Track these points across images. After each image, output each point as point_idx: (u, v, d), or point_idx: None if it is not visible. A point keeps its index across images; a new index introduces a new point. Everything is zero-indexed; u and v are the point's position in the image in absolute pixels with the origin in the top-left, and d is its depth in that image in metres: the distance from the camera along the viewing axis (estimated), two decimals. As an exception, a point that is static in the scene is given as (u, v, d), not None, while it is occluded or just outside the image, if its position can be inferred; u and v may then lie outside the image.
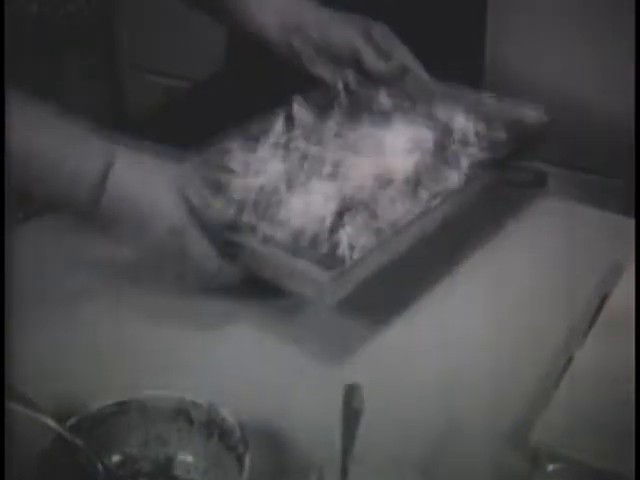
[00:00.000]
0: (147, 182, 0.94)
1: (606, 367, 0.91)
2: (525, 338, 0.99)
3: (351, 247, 0.92)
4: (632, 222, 1.10)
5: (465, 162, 1.06)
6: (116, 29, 2.07)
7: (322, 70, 1.19)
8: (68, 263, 1.07)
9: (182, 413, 0.83)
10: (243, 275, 0.96)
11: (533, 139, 1.13)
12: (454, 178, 1.04)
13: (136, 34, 2.03)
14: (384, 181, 1.02)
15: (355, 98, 1.17)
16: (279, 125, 1.11)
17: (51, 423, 0.80)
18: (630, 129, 1.41)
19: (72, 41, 1.18)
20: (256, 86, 1.81)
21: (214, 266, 0.95)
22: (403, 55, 1.18)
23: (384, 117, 1.12)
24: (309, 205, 0.98)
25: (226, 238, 0.94)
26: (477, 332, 1.00)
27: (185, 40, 2.00)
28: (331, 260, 0.91)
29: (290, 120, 1.12)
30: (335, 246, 0.93)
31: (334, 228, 0.95)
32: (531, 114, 1.13)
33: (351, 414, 0.79)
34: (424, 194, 1.01)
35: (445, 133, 1.09)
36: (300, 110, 1.13)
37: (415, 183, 1.02)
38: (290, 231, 0.95)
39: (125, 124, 1.37)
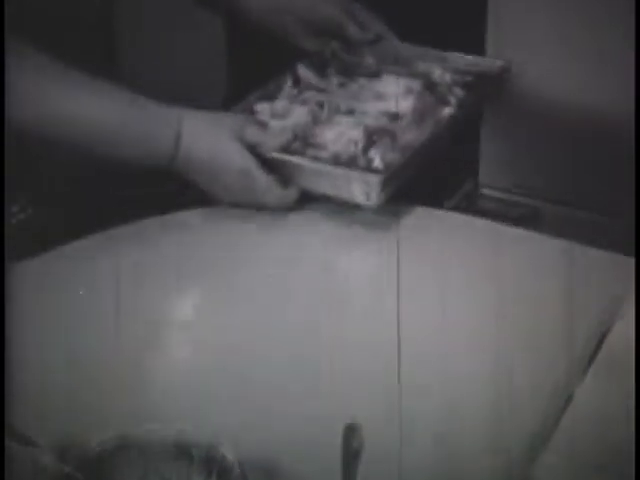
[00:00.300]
0: (212, 136, 1.11)
1: (606, 404, 0.91)
2: (524, 375, 0.99)
3: (383, 161, 1.16)
4: (631, 259, 1.10)
5: (452, 99, 1.31)
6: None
7: (312, 44, 1.39)
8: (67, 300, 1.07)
9: (182, 450, 0.83)
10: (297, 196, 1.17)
11: (496, 81, 1.41)
12: (448, 109, 1.29)
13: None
14: (392, 116, 1.25)
15: (344, 62, 1.39)
16: (289, 83, 1.32)
17: (50, 459, 0.80)
18: (630, 162, 1.43)
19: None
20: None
21: (277, 193, 1.14)
22: (379, 26, 1.40)
23: (374, 73, 1.35)
24: (339, 133, 1.19)
25: (285, 161, 1.15)
26: (476, 368, 1.00)
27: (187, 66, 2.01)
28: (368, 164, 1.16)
29: (297, 79, 1.34)
30: (370, 162, 1.16)
31: (366, 148, 1.17)
32: (493, 62, 1.41)
33: (350, 454, 0.79)
34: (429, 121, 1.25)
35: (428, 81, 1.34)
36: (304, 70, 1.35)
37: (419, 116, 1.24)
38: (330, 154, 1.17)
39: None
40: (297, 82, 1.34)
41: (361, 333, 1.06)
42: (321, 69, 1.37)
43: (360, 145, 1.18)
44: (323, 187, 1.15)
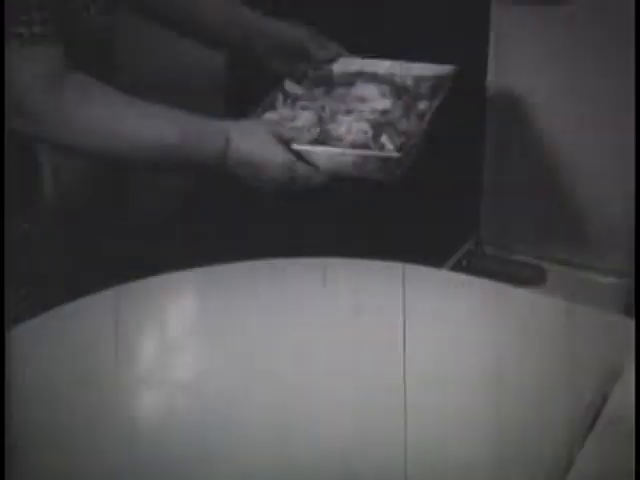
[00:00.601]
0: (256, 136, 1.32)
1: (607, 470, 0.90)
2: (526, 439, 0.99)
3: (393, 144, 1.36)
4: (631, 321, 1.10)
5: (422, 96, 1.51)
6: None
7: (281, 65, 1.56)
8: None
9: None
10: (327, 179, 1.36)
11: (446, 81, 1.55)
12: (422, 104, 1.48)
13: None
14: (382, 112, 1.46)
15: (316, 77, 1.57)
16: (280, 99, 1.50)
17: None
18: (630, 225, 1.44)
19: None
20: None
21: (312, 179, 1.34)
22: (334, 46, 1.59)
23: (348, 83, 1.54)
24: (350, 127, 1.40)
25: (317, 151, 1.35)
26: (476, 428, 1.00)
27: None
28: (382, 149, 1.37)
29: (286, 94, 1.52)
30: (382, 147, 1.36)
31: (376, 136, 1.37)
32: (442, 67, 1.57)
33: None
34: (413, 115, 1.45)
35: (394, 85, 1.54)
36: (291, 85, 1.53)
37: (404, 110, 1.46)
38: (348, 143, 1.37)
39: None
40: (287, 96, 1.52)
41: (367, 396, 1.05)
42: (301, 83, 1.57)
43: (370, 134, 1.39)
44: (348, 170, 1.36)
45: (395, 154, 1.34)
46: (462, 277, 1.40)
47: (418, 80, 1.55)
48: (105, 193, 1.71)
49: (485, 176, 1.75)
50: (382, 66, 1.59)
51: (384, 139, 1.38)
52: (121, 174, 1.77)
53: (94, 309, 1.16)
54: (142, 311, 1.17)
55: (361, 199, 1.78)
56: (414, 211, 1.78)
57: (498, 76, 1.68)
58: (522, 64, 1.65)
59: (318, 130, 1.40)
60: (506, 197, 1.76)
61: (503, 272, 1.78)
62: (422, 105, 1.49)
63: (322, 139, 1.39)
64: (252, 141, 1.33)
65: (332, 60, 1.59)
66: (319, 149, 1.36)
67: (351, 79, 1.56)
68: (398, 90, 1.53)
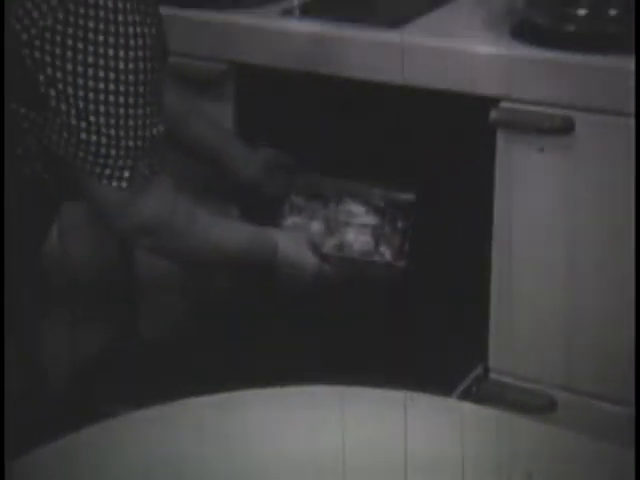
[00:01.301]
0: (296, 247, 1.62)
1: None
2: None
3: (391, 253, 1.69)
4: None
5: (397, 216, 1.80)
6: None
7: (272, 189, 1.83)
8: None
9: None
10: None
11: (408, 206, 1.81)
12: (400, 222, 1.77)
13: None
14: (372, 227, 1.75)
15: (310, 193, 1.84)
16: (287, 209, 1.78)
17: None
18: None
19: None
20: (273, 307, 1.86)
21: (335, 279, 1.65)
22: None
23: (337, 200, 1.81)
24: (356, 237, 1.71)
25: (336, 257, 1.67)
26: None
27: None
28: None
29: (292, 205, 1.79)
30: (383, 255, 1.69)
31: (376, 246, 1.70)
32: (404, 194, 1.82)
33: None
34: (396, 229, 1.75)
35: (372, 204, 1.80)
36: (297, 199, 1.80)
37: (390, 226, 1.75)
38: (356, 251, 1.70)
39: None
40: (292, 207, 1.79)
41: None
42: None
43: (372, 244, 1.70)
44: (358, 272, 1.66)
45: (400, 263, 1.66)
46: (470, 406, 1.40)
47: (388, 202, 1.82)
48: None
49: (492, 302, 1.76)
50: (359, 188, 1.84)
51: (383, 249, 1.70)
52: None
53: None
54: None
55: (367, 325, 1.80)
56: (421, 337, 1.79)
57: (499, 206, 1.71)
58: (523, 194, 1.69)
59: (335, 240, 1.71)
60: (515, 324, 1.76)
61: (513, 400, 1.78)
62: (400, 224, 1.77)
63: (340, 246, 1.70)
64: (293, 247, 1.62)
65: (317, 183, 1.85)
66: (338, 254, 1.68)
67: (340, 197, 1.83)
68: (376, 210, 1.80)
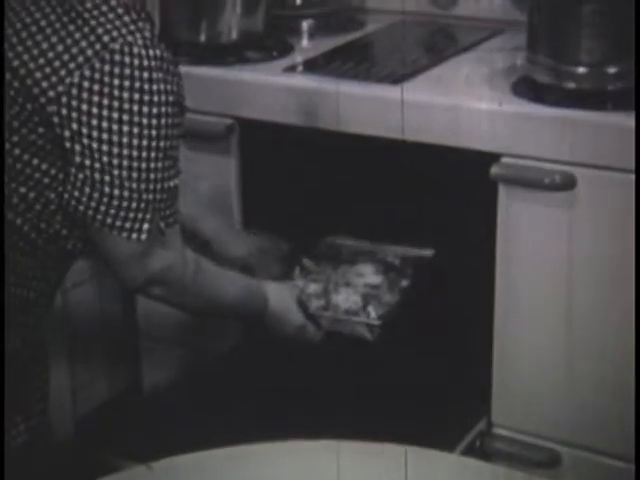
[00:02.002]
0: (284, 302, 1.67)
1: None
2: None
3: (376, 313, 1.77)
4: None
5: (406, 275, 1.89)
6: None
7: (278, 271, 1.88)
8: None
9: None
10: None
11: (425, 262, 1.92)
12: (405, 281, 1.86)
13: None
14: (373, 287, 1.84)
15: (328, 254, 1.97)
16: (297, 272, 1.87)
17: None
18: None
19: None
20: (272, 362, 1.85)
21: (316, 336, 1.72)
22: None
23: (351, 261, 1.92)
24: (346, 298, 1.80)
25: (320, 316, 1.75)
26: None
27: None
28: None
29: (302, 268, 1.89)
30: (369, 314, 1.77)
31: (364, 306, 1.78)
32: (423, 251, 1.94)
33: None
34: (395, 289, 1.84)
35: (386, 264, 1.91)
36: (308, 262, 1.90)
37: (389, 286, 1.84)
38: (343, 310, 1.78)
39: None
40: (302, 269, 1.88)
41: None
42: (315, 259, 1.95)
43: (360, 304, 1.79)
44: (342, 330, 1.76)
45: (376, 322, 1.75)
46: (473, 462, 1.39)
47: (404, 260, 1.92)
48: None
49: (495, 356, 1.76)
50: (379, 249, 1.95)
51: (370, 309, 1.78)
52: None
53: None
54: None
55: (369, 379, 1.81)
56: (424, 392, 1.79)
57: (501, 260, 1.72)
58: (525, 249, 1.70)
59: (323, 301, 1.79)
60: (518, 378, 1.76)
61: (516, 454, 1.77)
62: (404, 282, 1.86)
63: (326, 306, 1.78)
64: (281, 303, 1.67)
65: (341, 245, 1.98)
66: (325, 314, 1.76)
67: (354, 258, 1.93)
68: (387, 268, 1.90)
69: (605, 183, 1.60)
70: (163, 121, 1.36)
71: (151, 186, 1.38)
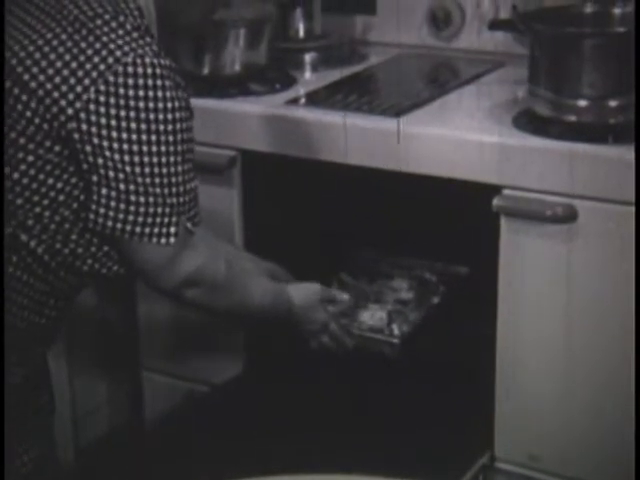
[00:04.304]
0: (306, 300, 1.72)
1: None
2: None
3: (400, 331, 1.89)
4: None
5: (439, 291, 2.02)
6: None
7: None
8: None
9: None
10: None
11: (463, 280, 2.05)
12: (436, 298, 1.99)
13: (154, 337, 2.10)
14: (403, 302, 1.97)
15: (368, 270, 2.09)
16: (335, 285, 1.97)
17: None
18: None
19: None
20: (274, 391, 1.85)
21: (343, 338, 1.78)
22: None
23: (388, 276, 2.05)
24: (372, 314, 1.92)
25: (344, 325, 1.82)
26: None
27: (204, 343, 2.06)
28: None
29: (340, 281, 2.01)
30: (391, 332, 1.89)
31: (389, 323, 1.90)
32: (459, 268, 2.07)
33: None
34: (424, 305, 1.96)
35: (421, 280, 2.04)
36: (346, 277, 2.02)
37: (418, 302, 1.97)
38: (368, 326, 1.89)
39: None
40: (340, 283, 1.99)
41: None
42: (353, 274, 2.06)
43: (385, 321, 1.89)
44: (365, 345, 1.86)
45: (397, 341, 1.86)
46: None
47: (440, 277, 2.02)
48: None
49: (497, 389, 1.76)
50: (416, 264, 2.07)
51: (394, 326, 1.88)
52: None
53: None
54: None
55: (371, 412, 1.81)
56: (427, 425, 1.79)
57: (504, 292, 1.73)
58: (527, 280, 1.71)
59: (348, 319, 1.86)
60: (521, 412, 1.76)
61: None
62: (435, 299, 1.97)
63: (350, 324, 1.86)
64: (305, 301, 1.72)
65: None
66: (351, 329, 1.84)
67: (391, 272, 2.06)
68: (421, 284, 2.01)
69: (606, 215, 1.61)
70: (179, 126, 1.41)
71: (174, 190, 1.42)
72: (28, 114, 1.37)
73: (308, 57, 2.12)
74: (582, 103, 1.65)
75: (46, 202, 1.41)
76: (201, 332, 2.01)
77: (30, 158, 1.39)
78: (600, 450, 1.69)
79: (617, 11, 1.77)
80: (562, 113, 1.67)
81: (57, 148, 1.38)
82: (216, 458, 1.69)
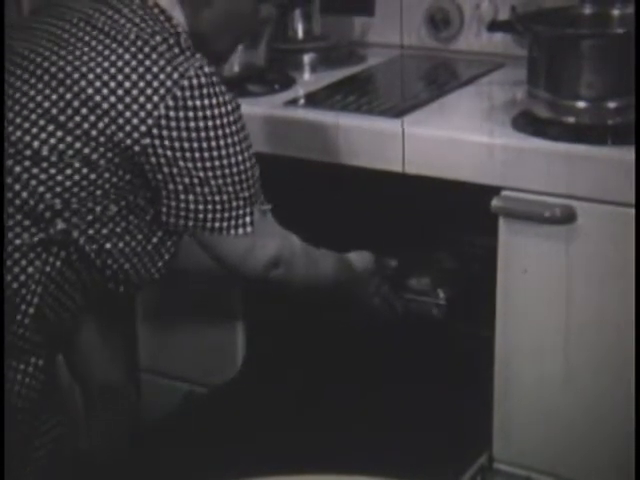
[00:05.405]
0: (363, 264, 1.82)
1: None
2: None
3: (445, 294, 1.96)
4: None
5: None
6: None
7: None
8: None
9: None
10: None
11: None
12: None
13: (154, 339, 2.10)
14: (445, 271, 2.04)
15: None
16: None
17: None
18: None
19: None
20: (272, 392, 1.85)
21: (395, 302, 1.91)
22: None
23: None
24: (418, 280, 1.98)
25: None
26: None
27: (203, 345, 2.06)
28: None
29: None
30: (437, 296, 1.94)
31: (435, 287, 1.96)
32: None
33: None
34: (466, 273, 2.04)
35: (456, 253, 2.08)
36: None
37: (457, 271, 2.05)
38: (415, 291, 1.96)
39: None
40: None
41: None
42: None
43: (430, 286, 1.96)
44: (414, 308, 1.95)
45: (443, 302, 1.94)
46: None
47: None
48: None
49: (496, 390, 1.76)
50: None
51: (439, 290, 1.96)
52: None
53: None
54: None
55: (371, 416, 1.81)
56: (425, 426, 1.79)
57: (502, 293, 1.73)
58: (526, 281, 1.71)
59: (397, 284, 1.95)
60: (519, 412, 1.76)
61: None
62: (476, 267, 2.00)
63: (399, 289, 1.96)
64: (363, 265, 1.81)
65: None
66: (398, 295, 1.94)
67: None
68: (457, 255, 2.08)
69: (605, 217, 1.61)
70: (239, 124, 1.51)
71: (244, 185, 1.53)
72: (94, 133, 1.43)
73: (307, 58, 2.12)
74: (581, 104, 1.65)
75: (99, 198, 1.47)
76: (200, 333, 2.01)
77: (98, 192, 1.46)
78: (598, 451, 1.69)
79: (616, 12, 1.77)
80: (561, 114, 1.67)
81: (135, 165, 1.46)
82: (215, 459, 1.69)
